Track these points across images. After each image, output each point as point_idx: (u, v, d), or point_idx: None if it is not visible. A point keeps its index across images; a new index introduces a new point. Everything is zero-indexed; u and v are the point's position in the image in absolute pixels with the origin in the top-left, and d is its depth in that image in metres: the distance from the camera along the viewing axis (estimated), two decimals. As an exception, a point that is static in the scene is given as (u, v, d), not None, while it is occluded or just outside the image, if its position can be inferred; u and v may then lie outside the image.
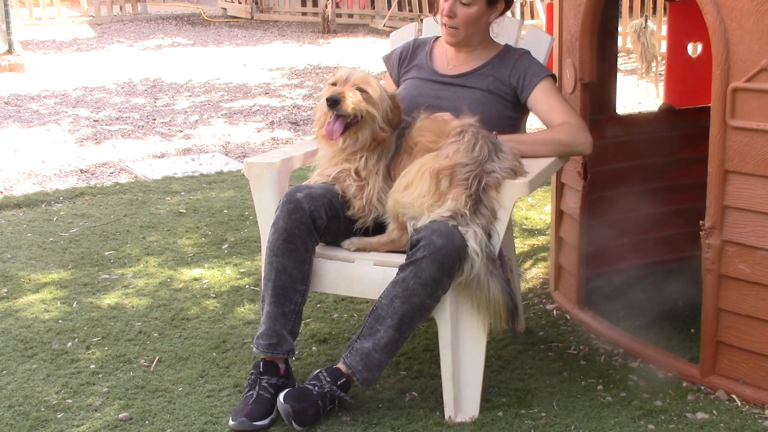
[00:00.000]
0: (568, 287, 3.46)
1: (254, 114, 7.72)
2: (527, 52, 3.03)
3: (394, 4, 14.19)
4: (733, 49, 2.51)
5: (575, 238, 3.33)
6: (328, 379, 2.61)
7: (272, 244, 2.68)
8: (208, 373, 2.97)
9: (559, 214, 3.52)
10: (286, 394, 2.58)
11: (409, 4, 14.01)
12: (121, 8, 15.92)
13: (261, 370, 2.69)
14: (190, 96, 8.62)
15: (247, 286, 3.74)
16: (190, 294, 3.66)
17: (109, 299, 3.60)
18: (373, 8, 15.02)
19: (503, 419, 2.63)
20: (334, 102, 2.70)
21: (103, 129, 7.11)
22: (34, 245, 4.25)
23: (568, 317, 3.41)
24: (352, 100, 2.71)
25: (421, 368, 2.98)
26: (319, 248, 2.77)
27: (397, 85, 3.18)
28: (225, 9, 16.89)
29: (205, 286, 3.75)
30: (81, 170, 5.85)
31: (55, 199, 5.07)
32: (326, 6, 14.04)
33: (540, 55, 3.10)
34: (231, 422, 2.59)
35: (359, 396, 2.76)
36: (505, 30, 3.13)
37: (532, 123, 3.11)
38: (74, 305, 3.54)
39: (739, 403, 2.70)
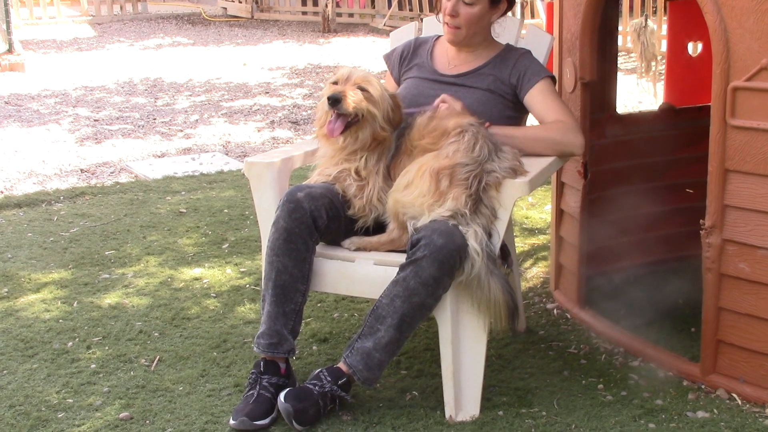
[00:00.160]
0: (568, 286, 3.46)
1: (254, 113, 7.72)
2: (528, 52, 3.04)
3: (395, 3, 14.18)
4: (733, 48, 2.51)
5: (575, 237, 3.33)
6: (329, 379, 2.61)
7: (273, 244, 2.68)
8: (209, 372, 2.97)
9: (559, 213, 3.52)
10: (286, 393, 2.58)
11: (410, 3, 14.01)
12: (121, 8, 15.92)
13: (261, 369, 2.69)
14: (190, 95, 8.62)
15: (247, 286, 3.74)
16: (190, 293, 3.66)
17: (110, 299, 3.60)
18: (374, 7, 15.01)
19: (504, 418, 2.63)
20: (335, 101, 2.70)
21: (104, 128, 7.11)
22: (34, 245, 4.25)
23: (569, 316, 3.41)
24: (353, 99, 2.71)
25: (421, 367, 2.98)
26: (320, 248, 2.77)
27: (398, 83, 3.18)
28: (225, 8, 16.89)
29: (205, 285, 3.75)
30: (81, 170, 5.85)
31: (56, 198, 5.07)
32: (326, 5, 14.04)
33: (540, 54, 3.10)
34: (231, 422, 2.59)
35: (360, 395, 2.76)
36: (505, 29, 3.13)
37: (533, 123, 3.12)
38: (75, 305, 3.54)
39: (739, 402, 2.70)
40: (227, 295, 3.64)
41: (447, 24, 2.97)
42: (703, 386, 2.81)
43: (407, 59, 3.17)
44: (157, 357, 3.08)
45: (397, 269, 2.59)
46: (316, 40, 12.94)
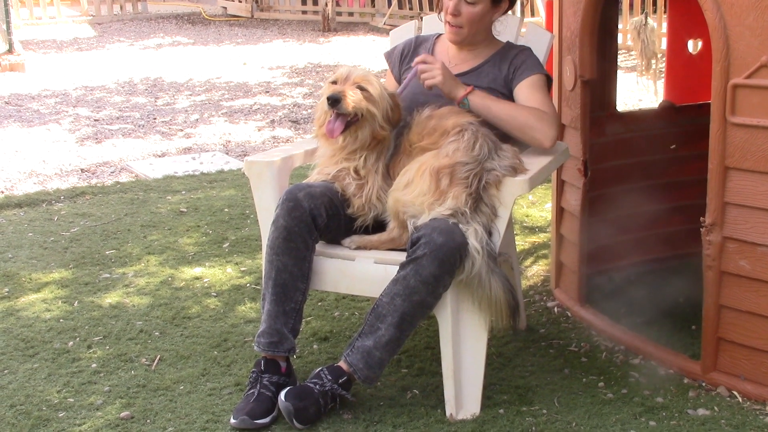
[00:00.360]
0: (569, 284, 3.46)
1: (255, 113, 7.72)
2: (528, 49, 3.03)
3: (395, 2, 14.17)
4: (733, 45, 2.51)
5: (576, 236, 3.33)
6: (330, 378, 2.61)
7: (272, 243, 2.68)
8: (210, 371, 2.97)
9: (559, 212, 3.52)
10: (287, 392, 2.58)
11: (410, 2, 14.00)
12: (121, 7, 15.92)
13: (262, 368, 2.69)
14: (190, 95, 8.62)
15: (248, 285, 3.74)
16: (191, 293, 3.66)
17: (110, 298, 3.60)
18: (374, 6, 15.01)
19: (504, 416, 2.63)
20: (334, 100, 2.70)
21: (104, 128, 7.11)
22: (35, 245, 4.26)
23: (569, 314, 3.41)
24: (352, 99, 2.71)
25: (422, 366, 2.98)
26: (320, 246, 2.77)
27: (399, 82, 3.17)
28: (225, 8, 16.88)
29: (206, 284, 3.75)
30: (82, 169, 5.85)
31: (56, 198, 5.07)
32: (326, 4, 14.03)
33: (540, 52, 3.10)
34: (232, 420, 2.60)
35: (360, 394, 2.76)
36: (505, 28, 3.13)
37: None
38: (75, 304, 3.55)
39: (740, 400, 2.70)
40: (228, 294, 3.64)
41: (449, 23, 2.96)
42: (703, 384, 2.81)
43: (408, 57, 3.16)
44: (158, 356, 3.08)
45: (397, 268, 2.59)
46: (316, 39, 12.94)
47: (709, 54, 2.64)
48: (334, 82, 2.78)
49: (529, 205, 4.82)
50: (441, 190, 2.59)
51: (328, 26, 13.95)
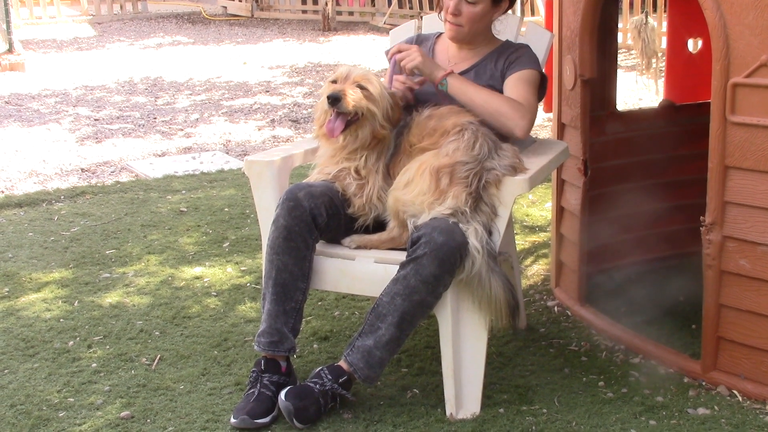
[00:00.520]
0: (569, 284, 3.46)
1: (255, 112, 7.72)
2: (526, 46, 3.03)
3: (395, 1, 14.16)
4: (733, 44, 2.51)
5: (576, 235, 3.33)
6: (330, 377, 2.61)
7: (273, 242, 2.68)
8: (210, 371, 2.97)
9: (559, 211, 3.52)
10: (287, 391, 2.58)
11: (410, 1, 13.99)
12: (121, 7, 15.91)
13: (262, 368, 2.69)
14: (190, 94, 8.62)
15: (248, 284, 3.74)
16: (191, 292, 3.66)
17: (111, 298, 3.60)
18: (374, 6, 15.00)
19: (504, 416, 2.63)
20: (334, 99, 2.70)
21: (104, 128, 7.11)
22: (35, 244, 4.26)
23: (569, 314, 3.41)
24: (352, 98, 2.71)
25: (422, 365, 2.98)
26: (320, 246, 2.77)
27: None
28: (225, 7, 16.88)
29: (206, 284, 3.75)
30: (82, 169, 5.85)
31: (56, 198, 5.07)
32: (326, 4, 14.03)
33: (540, 51, 3.10)
34: (232, 420, 2.60)
35: (361, 393, 2.76)
36: (505, 27, 3.13)
37: (536, 120, 3.10)
38: (75, 304, 3.55)
39: (740, 399, 2.70)
40: (228, 294, 3.64)
41: (449, 21, 2.96)
42: (703, 383, 2.81)
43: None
44: (158, 356, 3.08)
45: (397, 267, 2.59)
46: (317, 39, 12.93)
47: (709, 53, 2.63)
48: (334, 82, 2.78)
49: (529, 204, 4.82)
50: (441, 189, 2.59)
51: (328, 25, 13.94)
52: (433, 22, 3.30)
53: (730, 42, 2.51)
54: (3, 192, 5.27)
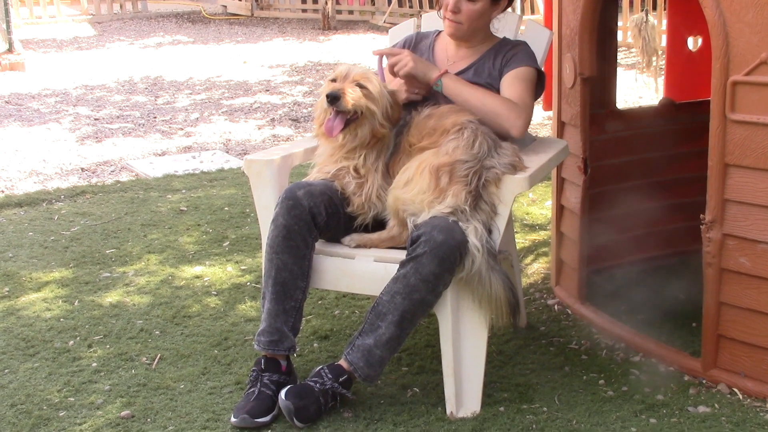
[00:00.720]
0: (569, 282, 3.46)
1: (255, 111, 7.72)
2: (523, 43, 3.03)
3: (394, 0, 14.17)
4: (733, 42, 2.51)
5: (576, 233, 3.33)
6: (330, 376, 2.61)
7: (272, 241, 2.68)
8: (210, 370, 2.97)
9: (559, 209, 3.51)
10: (287, 390, 2.58)
11: (409, 0, 13.99)
12: (121, 6, 15.91)
13: (262, 367, 2.69)
14: (190, 94, 8.62)
15: (248, 284, 3.74)
16: (191, 291, 3.66)
17: (111, 297, 3.60)
18: (373, 5, 15.00)
19: (505, 414, 2.63)
20: (333, 98, 2.70)
21: (104, 127, 7.11)
22: (35, 244, 4.26)
23: (570, 312, 3.41)
24: (351, 96, 2.71)
25: (422, 364, 2.98)
26: (320, 245, 2.77)
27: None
28: (225, 6, 16.87)
29: (206, 283, 3.75)
30: (82, 169, 5.85)
31: (56, 197, 5.07)
32: (326, 3, 14.03)
33: (539, 49, 3.10)
34: (233, 419, 2.60)
35: (361, 392, 2.76)
36: (504, 25, 3.13)
37: (535, 118, 3.10)
38: (76, 303, 3.55)
39: (740, 397, 2.70)
40: (228, 293, 3.64)
41: (448, 19, 2.96)
42: (704, 381, 2.81)
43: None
44: (158, 355, 3.08)
45: (397, 266, 2.59)
46: (316, 38, 12.93)
47: (709, 51, 2.63)
48: (334, 80, 2.78)
49: (529, 202, 4.82)
50: (441, 188, 2.59)
51: (328, 24, 13.94)
52: (432, 21, 3.30)
53: (729, 40, 2.51)
54: (3, 192, 5.27)
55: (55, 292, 3.66)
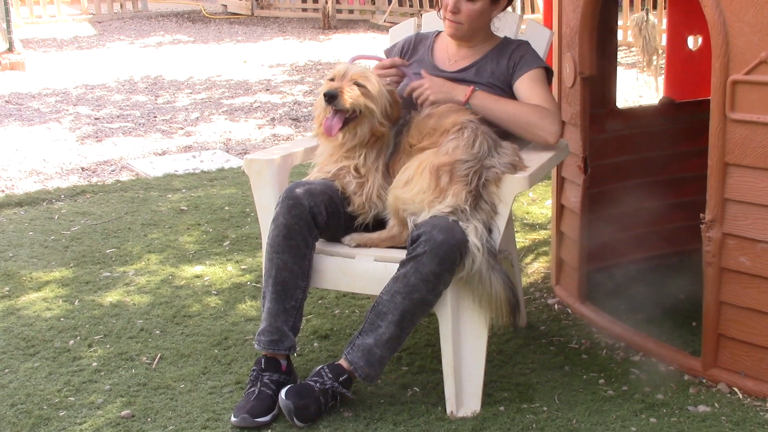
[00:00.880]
0: (569, 281, 3.46)
1: (255, 111, 7.72)
2: (526, 43, 3.03)
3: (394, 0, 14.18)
4: (733, 41, 2.51)
5: (576, 233, 3.33)
6: (330, 376, 2.61)
7: (272, 241, 2.68)
8: (210, 370, 2.97)
9: (559, 209, 3.51)
10: (287, 390, 2.58)
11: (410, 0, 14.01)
12: (121, 6, 15.91)
13: (262, 366, 2.69)
14: (190, 93, 8.62)
15: (248, 283, 3.74)
16: (191, 291, 3.66)
17: (111, 297, 3.61)
18: (374, 4, 15.00)
19: (505, 414, 2.63)
20: (331, 97, 2.70)
21: (104, 127, 7.11)
22: (35, 243, 4.26)
23: (570, 311, 3.41)
24: (350, 95, 2.70)
25: (422, 364, 2.98)
26: (320, 244, 2.77)
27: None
28: (225, 6, 16.88)
29: (206, 283, 3.75)
30: (82, 168, 5.85)
31: (57, 197, 5.07)
32: (326, 2, 14.03)
33: (539, 49, 3.10)
34: (233, 419, 2.60)
35: (361, 392, 2.76)
36: (505, 24, 3.13)
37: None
38: (76, 303, 3.55)
39: (740, 396, 2.70)
40: (228, 293, 3.64)
41: (448, 19, 2.96)
42: (704, 380, 2.80)
43: (407, 54, 3.16)
44: (159, 355, 3.08)
45: (397, 265, 2.59)
46: (317, 37, 12.93)
47: (709, 50, 2.63)
48: (332, 80, 2.77)
49: (530, 202, 4.82)
50: (441, 187, 2.59)
51: (328, 24, 13.95)
52: (432, 20, 3.30)
53: (729, 39, 2.51)
54: (3, 191, 5.27)
55: (56, 292, 3.66)
